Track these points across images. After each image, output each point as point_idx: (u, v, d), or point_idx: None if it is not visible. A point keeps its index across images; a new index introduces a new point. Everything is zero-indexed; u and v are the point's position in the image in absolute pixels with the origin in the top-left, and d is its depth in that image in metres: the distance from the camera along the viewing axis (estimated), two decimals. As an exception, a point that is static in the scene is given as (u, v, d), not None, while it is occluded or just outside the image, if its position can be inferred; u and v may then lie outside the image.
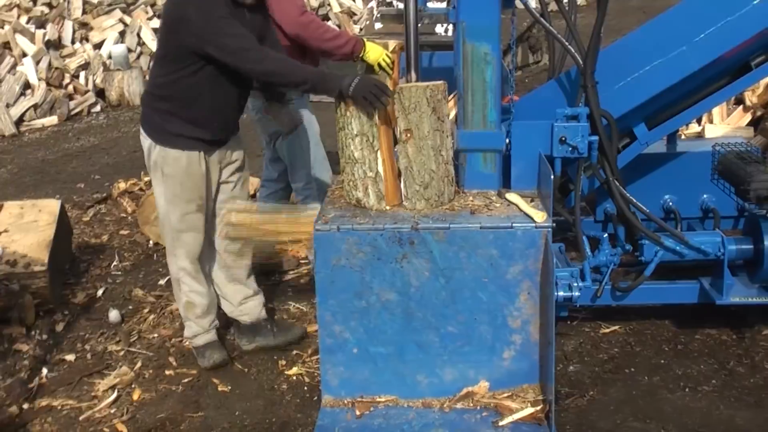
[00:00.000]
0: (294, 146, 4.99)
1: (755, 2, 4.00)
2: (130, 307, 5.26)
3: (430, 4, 4.06)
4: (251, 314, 4.54)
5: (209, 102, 3.96)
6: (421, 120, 3.64)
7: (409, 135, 3.65)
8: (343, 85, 3.59)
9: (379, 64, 4.42)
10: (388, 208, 3.70)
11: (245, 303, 4.52)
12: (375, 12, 8.98)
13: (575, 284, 3.85)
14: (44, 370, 4.52)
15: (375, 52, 4.45)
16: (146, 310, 5.18)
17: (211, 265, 4.44)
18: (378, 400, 3.70)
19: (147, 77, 4.39)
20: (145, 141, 4.11)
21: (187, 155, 4.02)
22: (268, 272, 5.39)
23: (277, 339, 4.59)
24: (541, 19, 4.19)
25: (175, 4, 3.88)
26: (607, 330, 4.64)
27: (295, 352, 4.56)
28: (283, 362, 4.46)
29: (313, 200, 5.03)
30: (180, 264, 4.30)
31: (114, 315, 5.06)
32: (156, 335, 4.85)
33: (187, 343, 4.50)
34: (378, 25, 6.92)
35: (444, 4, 5.98)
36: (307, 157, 5.04)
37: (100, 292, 5.47)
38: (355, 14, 14.69)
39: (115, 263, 5.93)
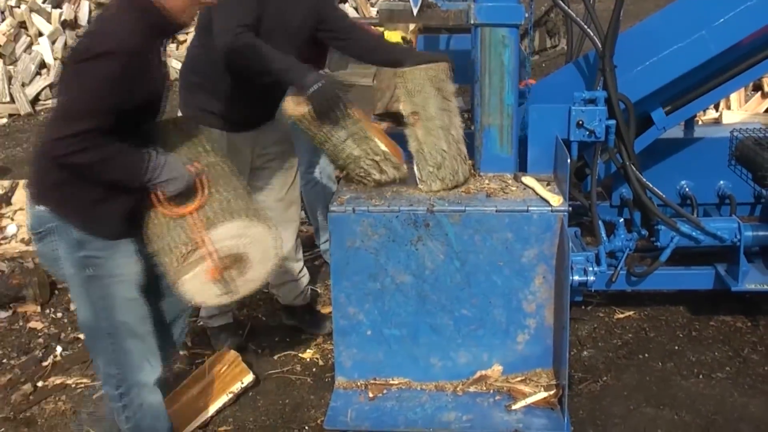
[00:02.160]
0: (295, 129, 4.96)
1: (776, -13, 3.96)
2: (144, 286, 5.27)
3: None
4: (285, 298, 4.52)
5: (230, 82, 3.81)
6: (426, 101, 3.65)
7: (416, 117, 3.65)
8: (305, 82, 3.53)
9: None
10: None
11: (283, 286, 4.46)
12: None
13: (590, 269, 3.84)
14: (58, 349, 4.54)
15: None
16: (160, 290, 5.19)
17: None
18: (391, 382, 3.70)
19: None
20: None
21: (207, 132, 3.93)
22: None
23: (309, 328, 4.59)
24: (560, 2, 4.16)
25: None
26: (622, 315, 4.63)
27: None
28: (297, 344, 4.47)
29: (315, 184, 5.03)
30: None
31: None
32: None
33: (201, 323, 4.50)
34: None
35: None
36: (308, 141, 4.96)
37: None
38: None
39: (129, 243, 5.94)
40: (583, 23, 4.10)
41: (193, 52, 4.02)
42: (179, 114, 3.99)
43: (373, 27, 5.10)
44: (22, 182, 5.79)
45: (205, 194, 3.00)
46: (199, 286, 2.94)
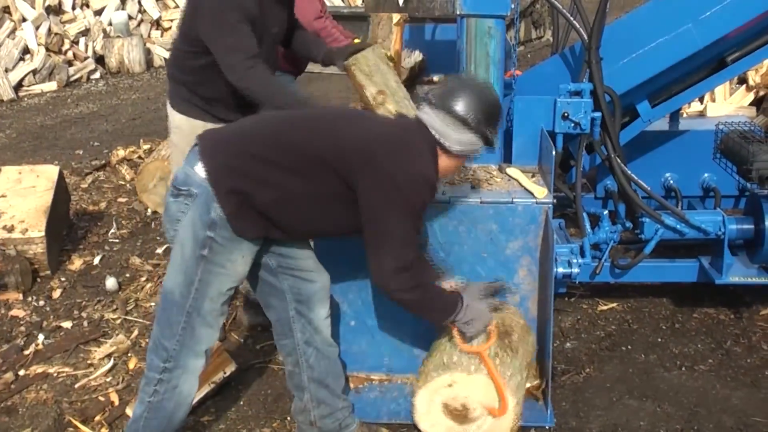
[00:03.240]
0: None
1: (762, -19, 3.97)
2: (127, 275, 5.25)
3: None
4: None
5: (218, 87, 3.83)
6: (386, 78, 3.66)
7: (383, 95, 3.65)
8: None
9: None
10: None
11: None
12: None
13: (575, 261, 3.85)
14: (40, 337, 4.51)
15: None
16: (143, 279, 5.17)
17: None
18: (372, 377, 3.70)
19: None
20: (169, 110, 4.06)
21: (189, 122, 3.93)
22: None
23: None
24: (547, -7, 4.15)
25: None
26: (605, 307, 4.64)
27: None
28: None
29: None
30: None
31: (111, 283, 5.04)
32: (153, 304, 4.84)
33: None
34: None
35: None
36: None
37: (97, 260, 5.45)
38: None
39: (112, 231, 5.91)
40: (569, 15, 4.09)
41: (179, 54, 3.98)
42: (168, 102, 4.02)
43: (344, 32, 5.07)
44: (4, 168, 5.73)
45: (493, 338, 3.25)
46: (429, 405, 3.29)
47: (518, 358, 3.37)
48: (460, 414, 3.25)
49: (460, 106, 2.95)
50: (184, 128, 3.96)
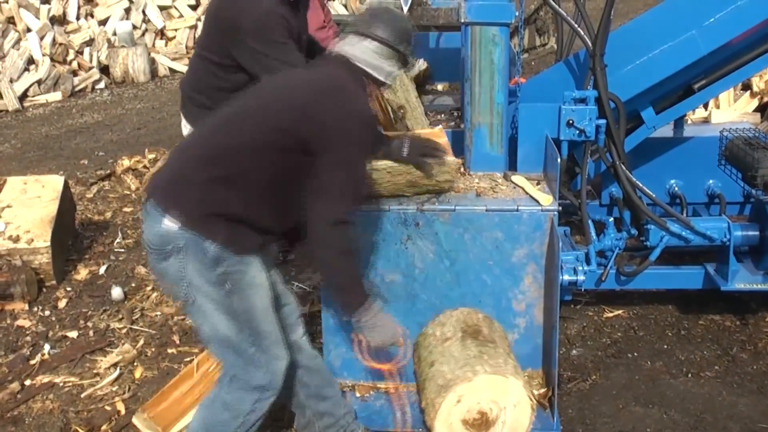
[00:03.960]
0: None
1: (766, -13, 3.97)
2: (133, 284, 5.25)
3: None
4: None
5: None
6: (407, 93, 3.70)
7: (404, 111, 3.69)
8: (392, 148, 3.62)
9: None
10: None
11: None
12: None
13: (580, 268, 3.84)
14: (46, 347, 4.52)
15: None
16: (149, 288, 5.17)
17: None
18: (378, 386, 3.70)
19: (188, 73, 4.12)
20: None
21: None
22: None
23: None
24: (551, 1, 4.16)
25: (229, 7, 3.74)
26: (611, 314, 4.64)
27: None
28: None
29: None
30: None
31: (117, 292, 5.05)
32: (158, 313, 4.84)
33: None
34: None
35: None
36: None
37: (102, 269, 5.46)
38: (361, -6, 14.60)
39: (118, 240, 5.92)
40: (573, 22, 4.10)
41: (201, 74, 3.93)
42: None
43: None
44: (9, 178, 5.75)
45: (404, 358, 3.26)
46: (450, 430, 3.22)
47: (499, 346, 3.38)
48: (480, 422, 3.23)
49: (381, 31, 3.04)
50: None
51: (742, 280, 4.20)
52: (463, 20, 3.77)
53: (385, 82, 3.12)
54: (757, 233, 4.22)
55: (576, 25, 4.09)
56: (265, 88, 3.10)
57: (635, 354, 4.27)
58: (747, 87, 7.04)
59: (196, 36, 12.20)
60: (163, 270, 2.95)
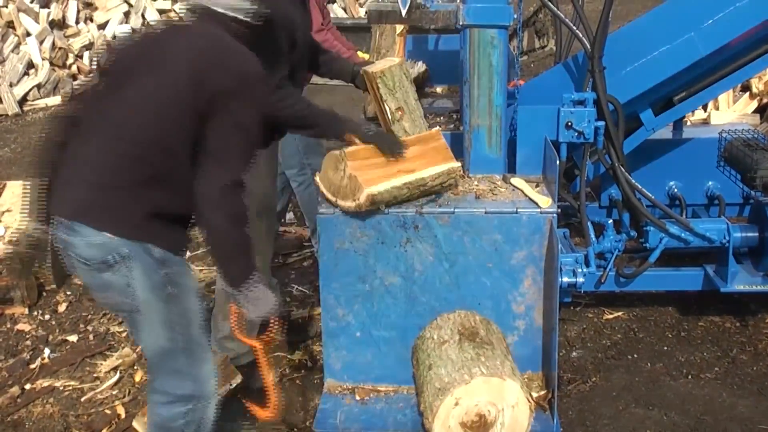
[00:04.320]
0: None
1: (764, -12, 3.97)
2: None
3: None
4: None
5: None
6: (406, 95, 3.71)
7: (401, 112, 3.69)
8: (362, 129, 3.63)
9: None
10: None
11: None
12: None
13: (579, 270, 3.84)
14: (46, 351, 4.52)
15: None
16: (149, 292, 5.16)
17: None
18: (379, 388, 3.70)
19: None
20: None
21: None
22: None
23: (288, 334, 4.49)
24: (549, 3, 4.16)
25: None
26: (611, 316, 4.64)
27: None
28: (286, 345, 4.46)
29: (308, 185, 4.99)
30: None
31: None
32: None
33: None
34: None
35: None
36: (299, 142, 4.85)
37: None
38: (361, -3, 14.61)
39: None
40: (572, 24, 4.10)
41: None
42: None
43: (346, 44, 5.09)
44: (9, 183, 5.75)
45: (273, 336, 3.12)
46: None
47: (496, 347, 3.39)
48: (479, 424, 3.23)
49: None
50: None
51: (742, 281, 4.20)
52: (461, 22, 3.77)
53: (252, 22, 2.99)
54: (756, 235, 4.22)
55: (574, 28, 4.09)
56: (141, 73, 2.85)
57: (635, 356, 4.28)
58: (746, 88, 7.04)
59: (196, 39, 12.22)
60: (106, 282, 2.81)
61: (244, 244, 2.87)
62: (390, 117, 3.70)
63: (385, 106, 3.69)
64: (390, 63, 3.78)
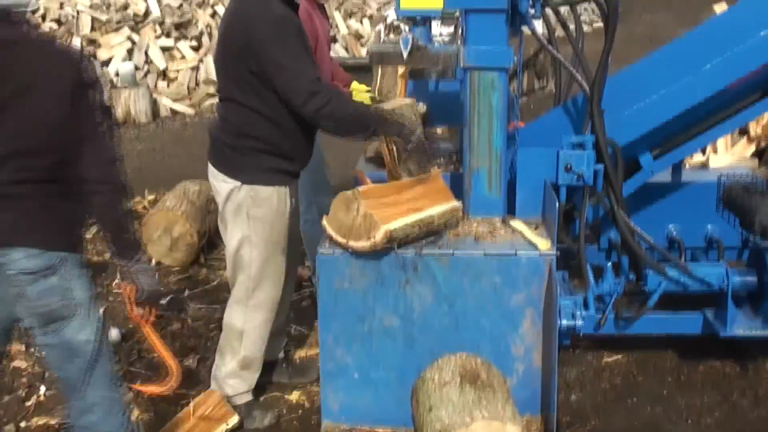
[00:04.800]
0: None
1: (761, 34, 4.00)
2: (130, 325, 5.23)
3: (436, 35, 4.06)
4: (270, 353, 4.26)
5: (295, 128, 3.75)
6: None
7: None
8: (405, 131, 3.73)
9: None
10: None
11: (271, 340, 4.20)
12: (382, 36, 9.00)
13: (578, 313, 3.84)
14: (42, 388, 4.49)
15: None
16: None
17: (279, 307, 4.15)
18: (377, 430, 3.68)
19: (217, 117, 3.96)
20: (224, 185, 3.82)
21: (278, 192, 3.80)
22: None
23: (291, 379, 4.46)
24: (549, 47, 4.19)
25: (238, 26, 3.70)
26: (610, 359, 4.62)
27: (295, 375, 4.53)
28: (284, 386, 4.43)
29: (314, 223, 4.98)
30: (252, 314, 3.95)
31: (114, 333, 5.03)
32: (156, 355, 4.81)
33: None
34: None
35: (451, 29, 6.00)
36: (308, 180, 4.79)
37: (100, 311, 5.43)
38: (362, 37, 14.73)
39: (116, 281, 5.90)
40: (571, 66, 4.13)
41: (237, 120, 3.79)
42: (230, 185, 3.83)
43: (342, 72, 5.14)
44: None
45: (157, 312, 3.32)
46: None
47: (497, 391, 3.38)
48: None
49: None
50: (274, 200, 3.81)
51: (741, 326, 4.18)
52: (462, 65, 3.81)
53: None
54: (755, 279, 4.22)
55: (574, 70, 4.12)
56: None
57: (635, 399, 4.25)
58: (744, 132, 7.06)
59: (198, 77, 12.29)
60: (47, 289, 2.94)
61: (131, 214, 3.22)
62: (397, 156, 3.72)
63: (393, 145, 3.72)
64: (401, 102, 3.82)
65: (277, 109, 3.67)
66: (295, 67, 3.56)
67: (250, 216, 3.79)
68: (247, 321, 3.96)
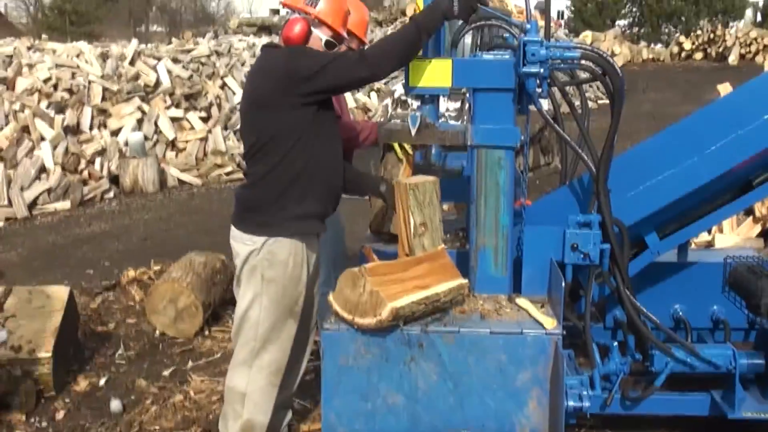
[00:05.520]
0: None
1: (766, 117, 4.04)
2: (133, 397, 5.21)
3: (443, 111, 4.11)
4: (273, 426, 4.16)
5: (323, 169, 3.88)
6: (434, 213, 3.76)
7: (424, 228, 3.74)
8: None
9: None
10: None
11: (276, 414, 4.15)
12: (389, 110, 9.10)
13: (585, 393, 3.80)
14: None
15: None
16: (148, 401, 5.12)
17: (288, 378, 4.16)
18: None
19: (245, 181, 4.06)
20: (244, 247, 3.86)
21: (294, 257, 3.84)
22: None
23: None
24: (556, 126, 4.23)
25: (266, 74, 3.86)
26: (616, 439, 4.56)
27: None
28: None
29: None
30: (255, 376, 3.93)
31: (116, 405, 5.00)
32: (157, 427, 4.78)
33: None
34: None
35: (457, 104, 6.07)
36: (329, 252, 4.77)
37: (102, 381, 5.42)
38: (369, 110, 14.91)
39: (120, 352, 5.89)
40: (576, 146, 4.16)
41: (259, 170, 3.87)
42: (248, 248, 3.88)
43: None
44: (15, 288, 5.76)
45: None
46: None
47: None
48: None
49: None
50: (290, 264, 3.85)
51: (750, 408, 4.14)
52: (469, 143, 3.85)
53: None
54: (762, 362, 4.18)
55: (580, 150, 4.15)
56: None
57: (641, 482, 4.19)
58: (749, 212, 7.10)
59: (206, 148, 12.40)
60: None
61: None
62: (413, 230, 3.74)
63: (411, 218, 3.74)
64: (425, 179, 3.85)
65: (308, 150, 3.78)
66: (333, 57, 3.71)
67: (264, 277, 3.83)
68: (250, 383, 3.93)
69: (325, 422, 3.59)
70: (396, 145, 4.37)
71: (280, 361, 3.96)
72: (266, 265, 3.82)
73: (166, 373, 5.54)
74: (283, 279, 3.84)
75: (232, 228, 3.95)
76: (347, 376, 3.54)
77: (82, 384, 5.36)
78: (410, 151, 4.40)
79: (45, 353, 5.08)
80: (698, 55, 25.54)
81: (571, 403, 3.74)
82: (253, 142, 3.87)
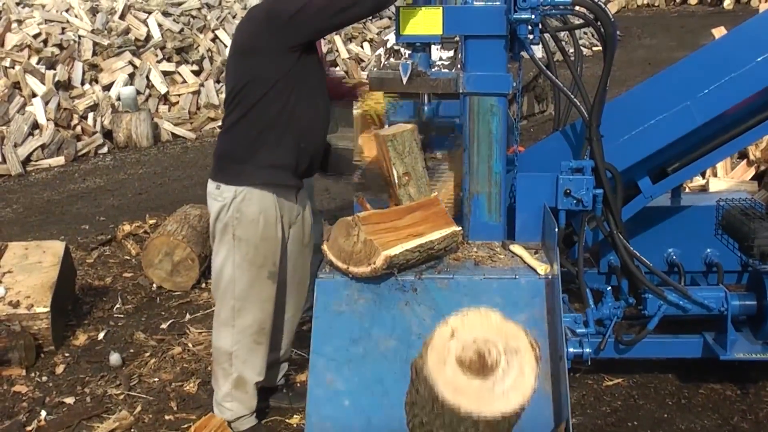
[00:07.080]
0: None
1: (759, 59, 4.03)
2: (131, 350, 5.24)
3: (435, 60, 4.07)
4: (269, 380, 4.26)
5: (298, 120, 3.82)
6: (415, 161, 3.74)
7: (408, 177, 3.72)
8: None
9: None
10: None
11: (271, 369, 4.25)
12: (382, 60, 9.03)
13: (585, 340, 3.83)
14: (43, 413, 4.50)
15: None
16: (147, 354, 5.16)
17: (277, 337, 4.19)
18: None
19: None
20: (215, 203, 3.84)
21: (265, 215, 3.81)
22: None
23: (292, 403, 4.44)
24: (548, 72, 4.22)
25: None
26: (611, 383, 4.61)
27: (295, 399, 4.52)
28: (284, 409, 4.43)
29: None
30: (239, 336, 3.93)
31: (115, 358, 5.04)
32: (156, 379, 4.83)
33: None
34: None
35: (450, 53, 6.03)
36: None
37: (101, 335, 5.45)
38: (363, 61, 14.80)
39: (117, 306, 5.92)
40: (570, 93, 4.15)
41: (235, 117, 3.83)
42: (219, 203, 3.85)
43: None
44: (11, 244, 5.77)
45: None
46: (444, 369, 2.95)
47: None
48: (478, 365, 2.96)
49: None
50: (260, 223, 3.84)
51: (741, 349, 4.19)
52: (461, 90, 3.83)
53: None
54: (754, 303, 4.22)
55: (572, 96, 4.14)
56: None
57: (635, 423, 4.25)
58: (743, 155, 7.09)
59: (199, 101, 12.33)
60: None
61: None
62: (396, 181, 3.73)
63: (393, 169, 3.73)
64: (402, 128, 3.83)
65: (283, 99, 3.74)
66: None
67: (236, 235, 3.82)
68: (234, 343, 3.94)
69: (312, 369, 3.56)
70: (371, 108, 4.34)
71: (263, 322, 3.96)
72: (236, 224, 3.80)
73: (164, 326, 5.57)
74: (255, 238, 3.81)
75: (209, 182, 3.92)
76: (339, 321, 3.53)
77: (81, 338, 5.39)
78: (382, 118, 4.37)
79: (43, 308, 5.10)
80: (693, 0, 25.23)
81: (571, 350, 3.77)
82: (230, 89, 3.85)
